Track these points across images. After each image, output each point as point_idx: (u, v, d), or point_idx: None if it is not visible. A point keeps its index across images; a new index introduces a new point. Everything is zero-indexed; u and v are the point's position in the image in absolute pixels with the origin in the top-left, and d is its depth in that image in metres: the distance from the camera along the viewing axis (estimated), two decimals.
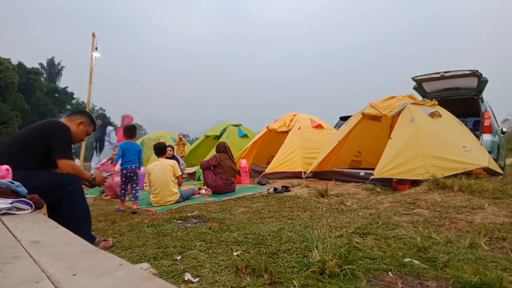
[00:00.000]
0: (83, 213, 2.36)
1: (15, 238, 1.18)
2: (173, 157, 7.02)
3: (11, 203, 1.64)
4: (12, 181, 1.76)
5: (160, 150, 4.74)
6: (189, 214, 3.42)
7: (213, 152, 8.64)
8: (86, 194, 5.72)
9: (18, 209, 1.66)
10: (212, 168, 5.13)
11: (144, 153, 12.39)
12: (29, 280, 0.78)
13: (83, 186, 2.45)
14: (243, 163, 6.46)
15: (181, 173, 4.69)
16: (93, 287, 0.74)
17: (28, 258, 0.95)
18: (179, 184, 4.60)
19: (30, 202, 1.74)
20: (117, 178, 5.04)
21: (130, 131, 4.32)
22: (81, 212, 2.34)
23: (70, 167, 2.31)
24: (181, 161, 8.29)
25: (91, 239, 2.32)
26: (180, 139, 10.73)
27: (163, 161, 4.58)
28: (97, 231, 2.94)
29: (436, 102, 5.47)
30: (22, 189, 1.76)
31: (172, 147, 7.63)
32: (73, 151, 2.56)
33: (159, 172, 4.39)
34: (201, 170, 5.60)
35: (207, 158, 8.62)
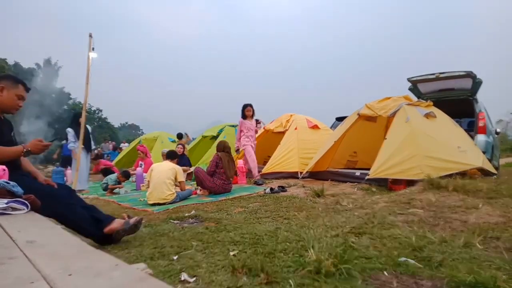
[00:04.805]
0: (70, 212, 2.19)
1: (11, 238, 1.17)
2: (183, 156, 7.16)
3: (6, 203, 1.63)
4: (8, 181, 1.76)
5: (171, 155, 5.16)
6: (186, 214, 3.42)
7: (210, 152, 8.65)
8: (85, 195, 5.65)
9: (14, 209, 1.66)
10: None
11: None
12: (24, 281, 0.78)
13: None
14: (240, 163, 6.46)
15: (184, 179, 4.84)
16: (89, 287, 0.75)
17: (24, 258, 0.95)
18: (181, 190, 4.67)
19: (26, 202, 1.74)
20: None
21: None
22: (67, 212, 2.17)
23: None
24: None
25: (100, 224, 2.25)
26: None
27: (170, 163, 4.78)
28: None
29: (431, 103, 5.50)
30: (18, 189, 1.75)
31: (183, 146, 7.95)
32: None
33: (160, 170, 4.57)
34: None
35: (201, 162, 8.65)
